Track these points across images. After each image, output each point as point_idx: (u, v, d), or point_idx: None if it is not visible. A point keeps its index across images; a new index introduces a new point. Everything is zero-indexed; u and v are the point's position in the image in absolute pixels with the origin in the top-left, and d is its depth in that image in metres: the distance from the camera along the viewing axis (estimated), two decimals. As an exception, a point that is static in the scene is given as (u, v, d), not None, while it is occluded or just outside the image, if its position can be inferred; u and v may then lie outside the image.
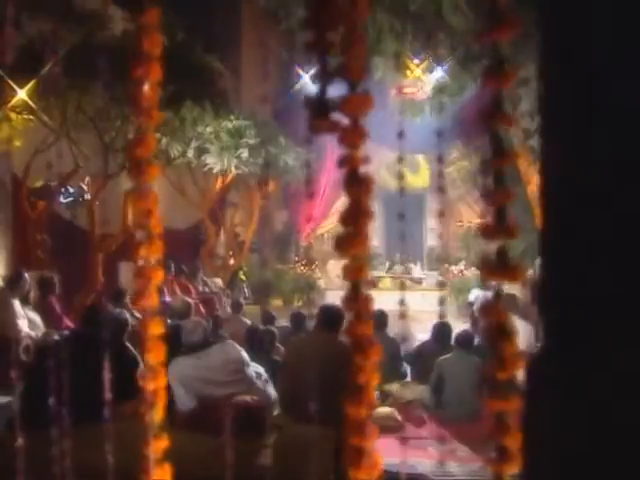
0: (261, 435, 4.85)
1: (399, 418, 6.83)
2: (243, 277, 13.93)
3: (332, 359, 5.18)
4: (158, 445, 0.83)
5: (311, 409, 4.93)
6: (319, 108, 0.72)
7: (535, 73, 10.64)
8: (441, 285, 14.22)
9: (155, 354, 0.82)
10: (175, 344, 5.48)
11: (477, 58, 11.30)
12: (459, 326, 9.20)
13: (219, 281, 11.64)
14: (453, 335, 8.22)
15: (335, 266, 15.61)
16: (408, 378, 8.09)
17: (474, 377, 7.02)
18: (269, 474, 4.56)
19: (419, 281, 14.81)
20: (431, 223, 17.45)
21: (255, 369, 5.50)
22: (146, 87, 0.82)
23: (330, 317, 5.37)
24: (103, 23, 8.93)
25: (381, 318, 8.10)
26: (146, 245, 0.77)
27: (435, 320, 12.64)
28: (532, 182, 11.25)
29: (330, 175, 15.99)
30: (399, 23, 11.13)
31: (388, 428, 6.56)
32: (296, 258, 15.37)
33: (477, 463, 5.98)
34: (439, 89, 12.13)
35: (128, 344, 5.86)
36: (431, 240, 17.49)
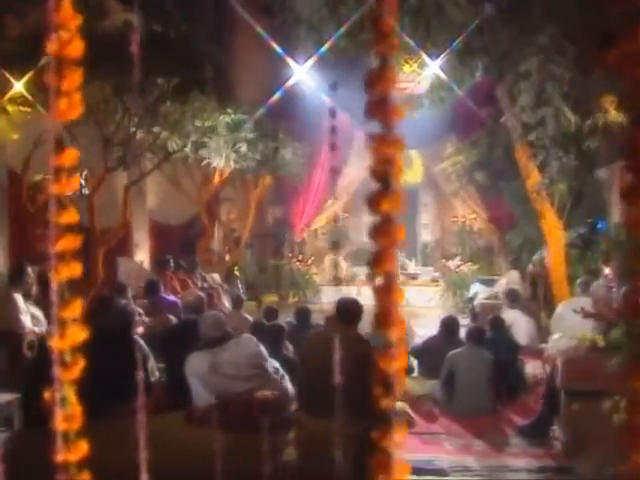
0: (282, 431, 4.75)
1: (411, 413, 6.75)
2: (237, 273, 13.80)
3: (354, 354, 5.10)
4: (399, 436, 0.73)
5: (334, 405, 4.84)
6: (604, 38, 0.63)
7: (535, 67, 10.65)
8: (439, 280, 14.18)
9: (398, 328, 0.72)
10: (191, 339, 5.37)
11: (475, 52, 11.27)
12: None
13: (217, 277, 11.50)
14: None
15: (331, 262, 15.53)
16: (415, 373, 8.01)
17: (486, 371, 6.97)
18: (293, 471, 4.46)
19: (414, 277, 14.75)
20: (424, 219, 17.41)
21: (272, 364, 5.39)
22: (384, 12, 0.72)
23: (348, 311, 5.28)
24: (103, 14, 8.77)
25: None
26: (388, 198, 0.67)
27: (433, 315, 12.64)
28: (531, 176, 11.21)
29: (324, 170, 15.90)
30: (398, 17, 11.04)
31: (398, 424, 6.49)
32: (290, 254, 15.25)
33: (494, 457, 5.92)
34: (438, 84, 12.08)
35: (136, 336, 5.75)
36: (425, 236, 17.44)
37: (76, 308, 0.82)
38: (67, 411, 0.82)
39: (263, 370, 5.09)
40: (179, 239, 12.57)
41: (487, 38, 10.93)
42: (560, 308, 7.31)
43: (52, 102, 0.76)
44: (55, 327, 0.82)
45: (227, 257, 13.61)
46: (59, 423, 0.81)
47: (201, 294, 6.52)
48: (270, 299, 13.68)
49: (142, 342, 5.65)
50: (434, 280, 14.56)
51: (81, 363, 0.84)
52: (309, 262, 14.85)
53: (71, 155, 0.78)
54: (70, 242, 0.79)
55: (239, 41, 11.79)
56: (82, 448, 0.82)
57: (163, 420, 4.96)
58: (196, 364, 5.01)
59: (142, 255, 12.28)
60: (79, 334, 0.82)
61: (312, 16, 12.38)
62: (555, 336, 7.07)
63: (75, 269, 0.81)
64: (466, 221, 16.11)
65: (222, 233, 13.79)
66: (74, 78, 0.76)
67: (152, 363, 5.84)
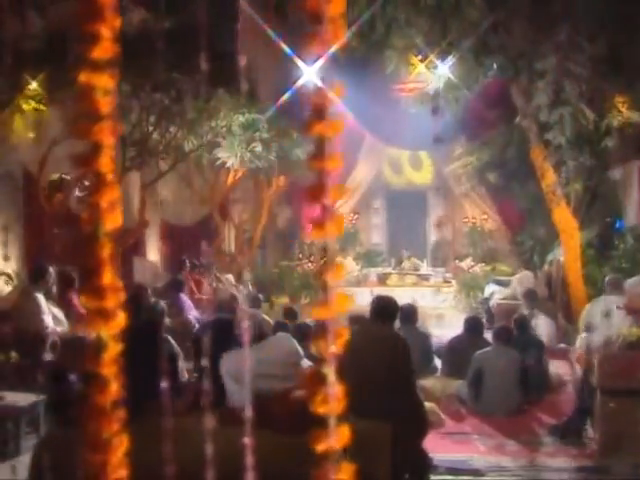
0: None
1: (440, 413, 6.67)
2: (248, 274, 13.69)
3: (390, 352, 5.02)
4: None
5: (370, 403, 4.74)
6: None
7: (552, 66, 10.59)
8: (451, 281, 14.11)
9: None
10: (225, 338, 5.28)
11: (491, 51, 11.19)
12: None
13: (231, 277, 11.41)
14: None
15: (342, 263, 15.44)
16: (438, 373, 7.94)
17: (514, 371, 6.90)
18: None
19: (426, 278, 14.67)
20: (434, 220, 17.33)
21: (307, 363, 5.31)
22: None
23: (385, 309, 5.19)
24: (120, 11, 8.67)
25: (410, 312, 7.94)
26: None
27: (446, 316, 12.58)
28: (547, 176, 11.14)
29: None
30: (414, 16, 10.97)
31: (430, 423, 6.40)
32: (300, 255, 15.14)
33: (528, 457, 5.84)
34: (452, 84, 11.98)
35: (167, 336, 5.66)
36: (435, 236, 17.37)
37: (341, 272, 0.74)
38: (327, 391, 0.73)
39: (299, 369, 5.01)
40: (190, 240, 12.49)
41: (503, 37, 10.87)
42: (589, 306, 7.24)
43: (314, 30, 0.68)
44: (321, 293, 0.74)
45: (239, 258, 13.52)
46: (318, 405, 0.73)
47: (235, 293, 6.43)
48: (281, 300, 13.59)
49: (172, 341, 5.57)
50: (446, 281, 14.49)
51: (345, 335, 0.75)
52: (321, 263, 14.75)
53: (338, 89, 0.70)
54: (337, 193, 0.71)
55: (258, 39, 11.67)
56: (345, 434, 0.74)
57: (196, 420, 4.87)
58: (231, 363, 4.92)
59: (153, 256, 12.19)
60: (345, 302, 0.73)
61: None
62: (583, 334, 7.00)
63: (338, 225, 0.73)
64: (477, 222, 16.04)
65: (234, 234, 13.70)
66: (340, 1, 0.67)
67: (182, 363, 5.76)
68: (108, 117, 0.68)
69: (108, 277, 0.69)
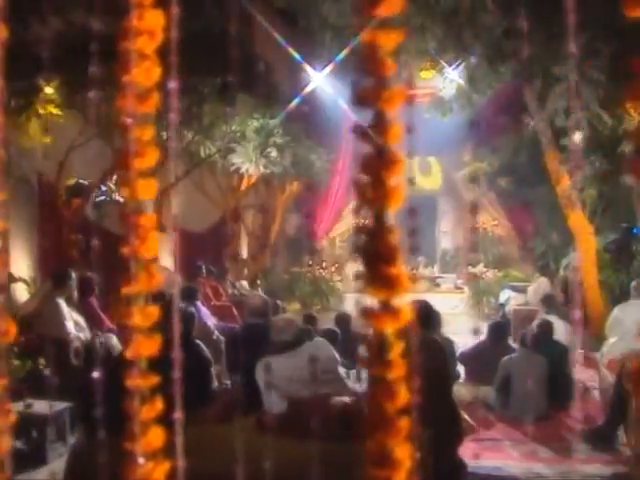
0: (361, 439, 4.57)
1: (470, 420, 6.58)
2: (259, 280, 13.61)
3: (427, 357, 4.94)
4: None
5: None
6: None
7: (568, 71, 10.52)
8: (462, 287, 14.04)
9: None
10: (258, 343, 5.20)
11: (506, 56, 11.15)
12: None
13: (245, 284, 11.32)
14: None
15: (354, 269, 15.37)
16: (461, 379, 7.84)
17: (542, 376, 6.82)
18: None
19: (437, 284, 14.60)
20: (444, 226, 17.27)
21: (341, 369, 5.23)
22: None
23: (422, 314, 5.12)
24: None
25: (434, 318, 7.84)
26: None
27: (459, 322, 12.49)
28: (562, 181, 11.07)
29: (343, 177, 15.75)
30: (428, 21, 10.93)
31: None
32: (310, 262, 15.06)
33: (563, 464, 5.75)
34: (465, 89, 11.93)
35: (198, 341, 5.56)
36: (444, 243, 17.30)
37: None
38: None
39: (337, 374, 4.93)
40: (202, 246, 12.39)
41: (518, 42, 10.81)
42: (617, 312, 7.16)
43: None
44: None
45: (252, 264, 13.44)
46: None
47: (266, 298, 6.33)
48: (291, 307, 13.50)
49: (204, 347, 5.47)
50: (457, 287, 14.39)
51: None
52: (333, 269, 14.69)
53: None
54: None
55: (275, 44, 11.61)
56: None
57: (232, 427, 4.77)
58: (268, 369, 4.84)
59: (165, 262, 12.06)
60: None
61: (338, 20, 12.21)
62: (611, 340, 6.92)
63: None
64: (487, 228, 15.99)
65: (247, 240, 13.61)
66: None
67: (212, 370, 5.67)
68: (392, 82, 0.61)
69: (398, 266, 0.62)
